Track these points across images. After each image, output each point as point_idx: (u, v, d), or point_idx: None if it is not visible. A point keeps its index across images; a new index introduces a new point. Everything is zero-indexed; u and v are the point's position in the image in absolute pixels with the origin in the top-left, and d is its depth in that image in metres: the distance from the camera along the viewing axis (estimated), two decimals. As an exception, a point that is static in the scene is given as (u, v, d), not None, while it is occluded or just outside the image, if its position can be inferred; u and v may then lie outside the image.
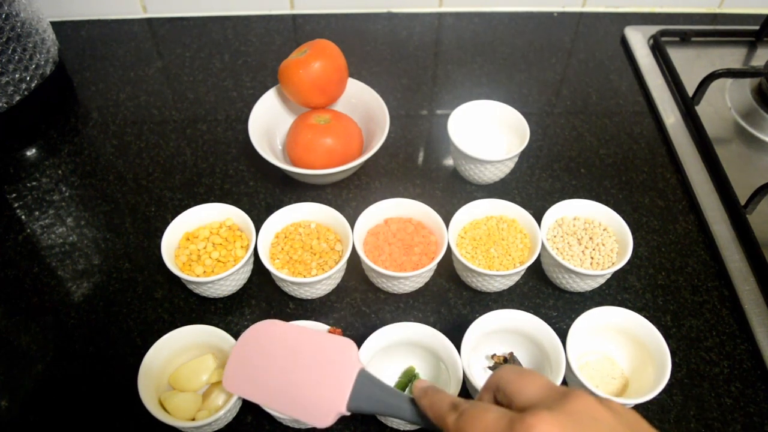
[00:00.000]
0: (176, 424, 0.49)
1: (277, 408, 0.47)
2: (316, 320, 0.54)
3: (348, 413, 0.44)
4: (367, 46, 0.90)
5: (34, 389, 0.55)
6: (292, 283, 0.58)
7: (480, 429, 0.33)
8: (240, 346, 0.50)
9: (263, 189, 0.71)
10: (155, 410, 0.49)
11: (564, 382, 0.53)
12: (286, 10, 0.94)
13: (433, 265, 0.58)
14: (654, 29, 0.90)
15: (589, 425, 0.32)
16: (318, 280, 0.57)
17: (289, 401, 0.46)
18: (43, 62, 0.74)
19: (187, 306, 0.61)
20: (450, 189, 0.72)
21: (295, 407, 0.46)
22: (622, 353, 0.57)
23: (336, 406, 0.44)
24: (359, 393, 0.44)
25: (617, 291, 0.63)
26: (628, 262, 0.59)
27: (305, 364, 0.47)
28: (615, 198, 0.71)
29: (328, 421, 0.44)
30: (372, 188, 0.71)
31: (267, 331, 0.50)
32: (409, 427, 0.51)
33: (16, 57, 0.70)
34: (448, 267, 0.63)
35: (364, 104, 0.73)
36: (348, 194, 0.71)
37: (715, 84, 0.79)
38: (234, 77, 0.84)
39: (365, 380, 0.44)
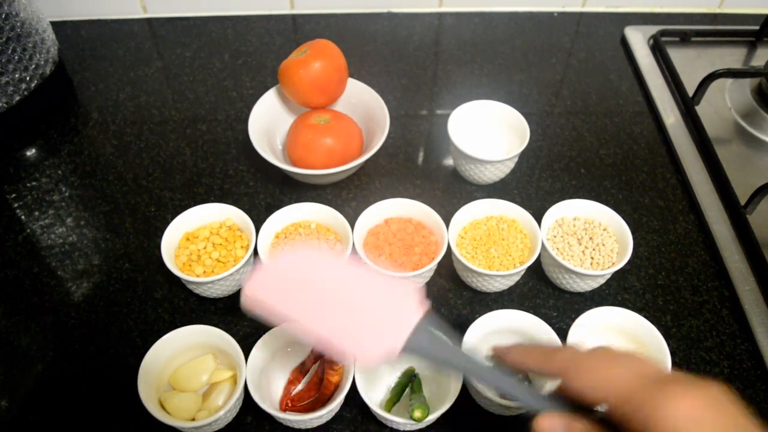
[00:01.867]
0: (176, 424, 0.49)
1: (312, 330, 0.41)
2: (316, 320, 0.54)
3: (395, 359, 0.40)
4: (367, 46, 0.90)
5: (34, 389, 0.55)
6: (292, 283, 0.58)
7: (606, 383, 0.33)
8: (280, 260, 0.44)
9: (263, 189, 0.71)
10: (155, 410, 0.49)
11: (564, 383, 0.53)
12: (286, 10, 0.94)
13: (433, 265, 0.58)
14: (654, 29, 0.90)
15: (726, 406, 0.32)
16: (318, 280, 0.57)
17: (332, 326, 0.41)
18: (42, 62, 0.74)
19: (187, 306, 0.61)
20: (450, 189, 0.72)
21: (338, 334, 0.41)
22: (622, 353, 0.57)
23: (389, 346, 0.40)
24: (417, 340, 0.40)
25: (617, 291, 0.63)
26: (628, 263, 0.59)
27: (360, 297, 0.42)
28: (615, 198, 0.71)
29: (375, 359, 0.40)
30: (372, 188, 0.71)
31: (321, 259, 0.45)
32: (409, 427, 0.51)
33: (16, 57, 0.70)
34: (448, 267, 0.63)
35: (364, 104, 0.73)
36: (348, 194, 0.71)
37: (715, 84, 0.79)
38: (234, 77, 0.84)
39: (425, 328, 0.41)
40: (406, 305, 0.41)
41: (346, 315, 0.42)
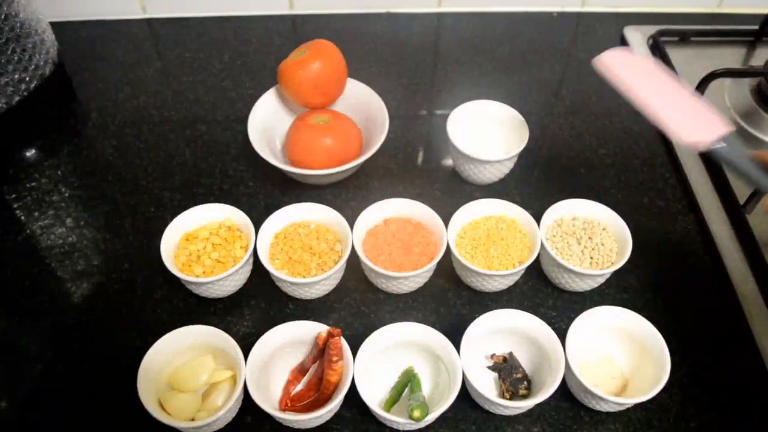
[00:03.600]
0: (176, 424, 0.49)
1: (648, 102, 0.52)
2: (315, 320, 0.54)
3: (708, 147, 0.50)
4: (367, 47, 0.90)
5: (34, 389, 0.55)
6: (292, 283, 0.58)
7: None
8: (632, 53, 0.57)
9: (262, 189, 0.71)
10: (155, 411, 0.49)
11: (563, 383, 0.53)
12: (285, 11, 0.94)
13: (433, 265, 0.58)
14: (653, 29, 0.90)
15: None
16: (317, 280, 0.57)
17: (662, 106, 0.51)
18: (42, 63, 0.74)
19: (187, 306, 0.61)
20: (449, 189, 0.72)
21: (667, 114, 0.51)
22: (622, 353, 0.57)
23: (705, 134, 0.50)
24: (726, 143, 0.50)
25: (616, 291, 0.63)
26: (628, 262, 0.59)
27: (688, 98, 0.53)
28: (614, 198, 0.71)
29: (694, 138, 0.50)
30: (371, 188, 0.71)
31: (653, 64, 0.56)
32: (409, 427, 0.51)
33: (16, 57, 0.70)
34: (447, 267, 0.63)
35: (363, 104, 0.73)
36: (347, 194, 0.71)
37: (715, 84, 0.78)
38: (233, 77, 0.84)
39: (733, 141, 0.50)
40: (717, 120, 0.51)
41: (676, 106, 0.52)
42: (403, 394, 0.55)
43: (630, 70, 0.54)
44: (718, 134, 0.50)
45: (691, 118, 0.52)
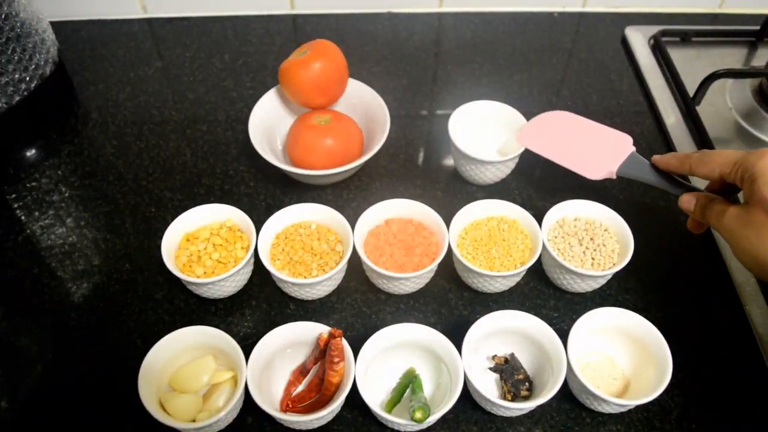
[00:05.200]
0: (177, 425, 0.49)
1: (559, 160, 0.63)
2: (316, 321, 0.54)
3: (614, 176, 0.60)
4: (368, 47, 0.89)
5: (34, 390, 0.55)
6: (293, 283, 0.58)
7: (719, 160, 0.50)
8: (537, 119, 0.68)
9: (263, 189, 0.71)
10: (156, 411, 0.49)
11: (564, 384, 0.53)
12: (286, 11, 0.94)
13: (434, 265, 0.58)
14: (654, 29, 0.90)
15: None
16: (318, 281, 0.57)
17: (570, 157, 0.63)
18: (42, 62, 0.74)
19: (188, 307, 0.61)
20: (451, 190, 0.72)
21: (575, 162, 0.62)
22: (623, 354, 0.57)
23: (608, 166, 0.60)
24: (628, 164, 0.60)
25: (618, 292, 0.63)
26: (629, 263, 0.59)
27: (589, 139, 0.64)
28: (616, 198, 0.71)
29: (600, 174, 0.60)
30: (372, 189, 0.71)
31: (560, 115, 0.68)
32: (410, 428, 0.51)
33: (16, 57, 0.70)
34: (448, 268, 0.63)
35: (364, 105, 0.73)
36: (348, 195, 0.71)
37: (716, 84, 0.78)
38: (234, 77, 0.84)
39: (635, 158, 0.60)
40: (621, 144, 0.62)
41: (579, 149, 0.64)
42: (405, 395, 0.55)
43: (542, 138, 0.66)
44: (623, 158, 0.60)
45: (600, 154, 0.62)
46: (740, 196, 0.51)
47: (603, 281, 0.61)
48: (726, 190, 0.53)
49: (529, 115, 0.70)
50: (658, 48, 0.88)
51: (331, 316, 0.61)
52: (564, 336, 0.53)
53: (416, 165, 0.75)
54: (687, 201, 0.54)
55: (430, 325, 0.54)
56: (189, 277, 0.57)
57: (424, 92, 0.84)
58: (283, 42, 0.90)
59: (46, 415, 0.54)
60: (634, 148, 0.61)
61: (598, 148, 0.63)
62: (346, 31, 0.92)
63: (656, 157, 0.57)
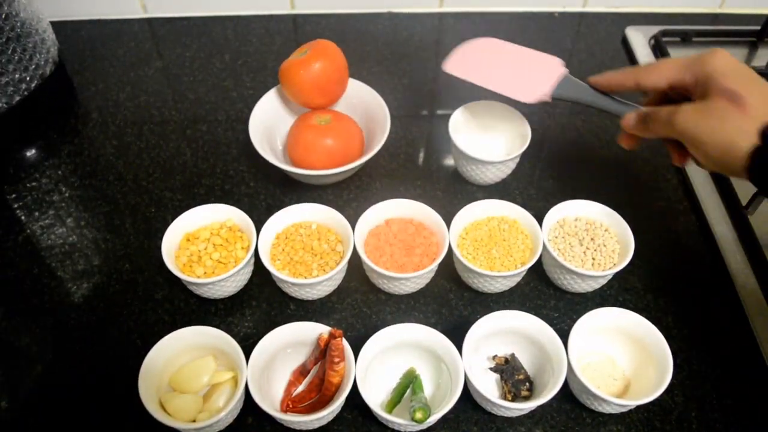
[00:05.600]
0: (177, 425, 0.49)
1: (491, 85, 0.62)
2: (316, 321, 0.54)
3: (550, 99, 0.59)
4: (368, 47, 0.89)
5: (34, 390, 0.55)
6: (293, 284, 0.58)
7: (668, 65, 0.51)
8: (464, 46, 0.65)
9: (264, 189, 0.71)
10: (156, 412, 0.49)
11: (565, 384, 0.53)
12: (286, 10, 0.94)
13: (434, 266, 0.58)
14: (655, 29, 0.90)
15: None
16: (319, 281, 0.57)
17: (502, 82, 0.61)
18: (42, 62, 0.74)
19: (188, 307, 0.61)
20: (451, 190, 0.72)
21: (508, 86, 0.61)
22: (624, 354, 0.57)
23: (542, 89, 0.59)
24: (562, 85, 0.59)
25: (618, 292, 0.63)
26: (630, 263, 0.59)
27: (520, 63, 0.62)
28: (616, 199, 0.70)
29: (534, 97, 0.59)
30: (373, 189, 0.71)
31: (486, 42, 0.65)
32: (410, 429, 0.51)
33: (16, 57, 0.70)
34: (449, 268, 0.63)
35: (364, 105, 0.73)
36: (349, 195, 0.71)
37: (717, 84, 0.78)
38: (234, 77, 0.84)
39: (568, 79, 0.59)
40: (553, 67, 0.61)
41: (510, 73, 0.62)
42: (405, 395, 0.55)
43: (470, 65, 0.64)
44: (555, 79, 0.59)
45: (531, 78, 0.61)
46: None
47: (603, 281, 0.61)
48: (663, 102, 0.53)
49: (530, 116, 0.70)
50: (658, 48, 0.88)
51: (331, 316, 0.61)
52: (564, 336, 0.53)
53: (416, 165, 0.75)
54: (629, 118, 0.54)
55: (430, 326, 0.54)
56: (189, 277, 0.57)
57: (424, 92, 0.84)
58: (284, 42, 0.90)
59: (46, 415, 0.54)
60: (566, 70, 0.60)
61: (530, 72, 0.61)
62: (346, 31, 0.92)
63: (594, 77, 0.57)
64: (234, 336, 0.53)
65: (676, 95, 0.52)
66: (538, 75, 0.61)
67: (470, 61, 0.64)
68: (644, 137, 0.54)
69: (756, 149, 0.44)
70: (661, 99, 0.54)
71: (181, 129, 0.77)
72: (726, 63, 0.47)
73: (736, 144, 0.44)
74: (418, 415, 0.49)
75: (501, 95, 0.62)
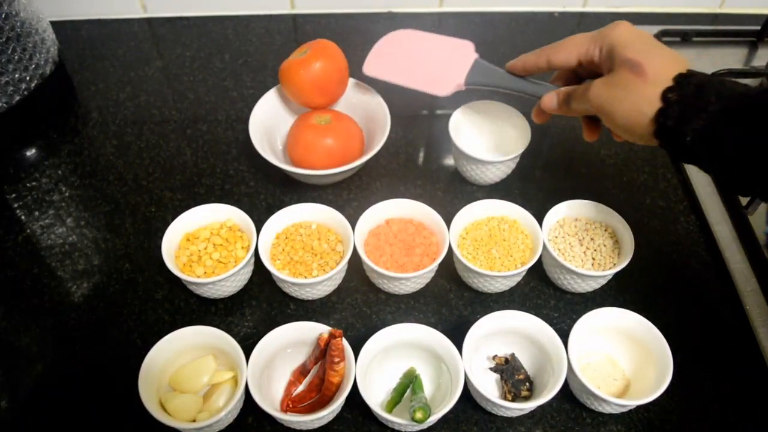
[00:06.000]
0: (177, 425, 0.49)
1: (408, 83, 0.62)
2: (316, 321, 0.54)
3: (464, 87, 0.60)
4: (368, 46, 0.89)
5: (34, 389, 0.55)
6: (293, 283, 0.58)
7: (575, 41, 0.52)
8: (379, 44, 0.65)
9: (264, 189, 0.71)
10: (156, 411, 0.49)
11: (565, 384, 0.53)
12: (286, 10, 0.94)
13: (435, 265, 0.58)
14: (655, 29, 0.89)
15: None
16: (319, 281, 0.57)
17: (417, 78, 0.62)
18: (42, 62, 0.74)
19: (188, 307, 0.61)
20: (451, 189, 0.72)
21: (423, 82, 0.61)
22: (624, 354, 0.57)
23: (456, 79, 0.60)
24: (475, 72, 0.60)
25: (618, 292, 0.63)
26: (630, 263, 0.59)
27: (432, 54, 0.62)
28: (616, 199, 0.71)
29: (449, 90, 0.60)
30: (373, 189, 0.71)
31: (399, 35, 0.65)
32: (410, 428, 0.51)
33: (16, 57, 0.70)
34: (449, 268, 0.63)
35: (364, 104, 0.73)
36: (349, 195, 0.71)
37: (717, 84, 0.78)
38: (234, 77, 0.84)
39: (480, 64, 0.60)
40: (464, 53, 0.61)
41: (423, 67, 0.62)
42: (405, 395, 0.54)
43: (385, 64, 0.64)
44: (468, 67, 0.60)
45: (445, 69, 0.61)
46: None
47: (603, 281, 0.61)
48: (578, 82, 0.55)
49: (530, 115, 0.70)
50: (658, 48, 0.88)
51: (331, 316, 0.61)
52: (564, 336, 0.53)
53: (416, 165, 0.74)
54: (549, 99, 0.55)
55: (430, 325, 0.54)
56: (189, 277, 0.57)
57: (424, 92, 0.84)
58: (284, 42, 0.90)
59: (46, 415, 0.54)
60: (476, 55, 0.61)
61: (443, 63, 0.61)
62: (346, 30, 0.92)
63: (510, 62, 0.58)
64: (234, 336, 0.53)
65: (586, 73, 0.54)
66: (451, 64, 0.61)
67: (385, 59, 0.64)
68: (564, 115, 0.55)
69: (659, 111, 0.45)
70: (571, 77, 0.56)
71: (181, 129, 0.77)
72: (626, 33, 0.49)
73: (642, 111, 0.46)
74: (418, 415, 0.49)
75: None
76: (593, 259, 0.60)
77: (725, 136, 0.43)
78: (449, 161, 0.75)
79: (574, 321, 0.54)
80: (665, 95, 0.45)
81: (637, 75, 0.46)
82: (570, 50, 0.53)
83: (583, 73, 0.55)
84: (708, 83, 0.44)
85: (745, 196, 0.65)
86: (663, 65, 0.46)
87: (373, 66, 0.65)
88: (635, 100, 0.46)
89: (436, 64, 0.62)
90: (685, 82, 0.45)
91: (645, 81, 0.46)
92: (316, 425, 0.53)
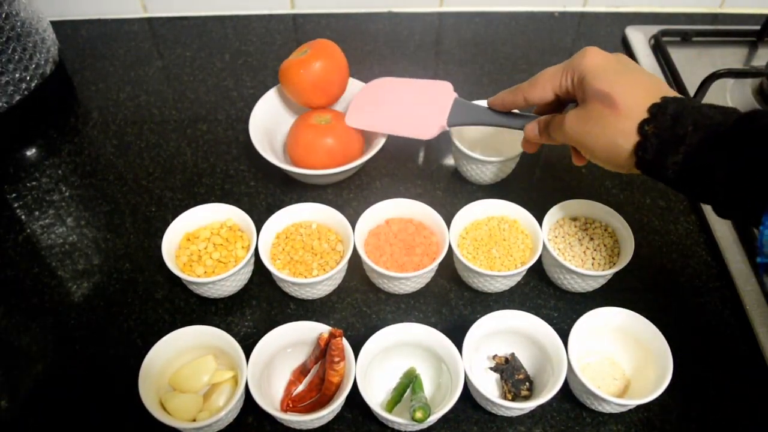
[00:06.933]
0: (177, 425, 0.49)
1: (392, 130, 0.64)
2: (317, 320, 0.54)
3: (448, 128, 0.61)
4: (368, 46, 0.89)
5: (34, 389, 0.55)
6: (293, 283, 0.58)
7: (546, 76, 0.52)
8: (359, 95, 0.67)
9: (264, 189, 0.71)
10: (156, 411, 0.49)
11: (565, 384, 0.53)
12: (286, 10, 0.94)
13: (435, 265, 0.58)
14: (655, 29, 0.90)
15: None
16: (319, 280, 0.57)
17: (401, 124, 0.63)
18: (43, 62, 0.74)
19: (188, 307, 0.61)
20: (451, 189, 0.72)
21: (407, 128, 0.63)
22: (624, 354, 0.57)
23: (439, 121, 0.61)
24: (456, 112, 0.61)
25: (618, 291, 0.63)
26: (630, 263, 0.59)
27: (412, 100, 0.63)
28: (616, 198, 0.71)
29: (434, 132, 0.62)
30: (373, 188, 0.71)
31: (377, 84, 0.67)
32: (410, 428, 0.51)
33: (16, 57, 0.70)
34: (449, 267, 0.63)
35: (364, 104, 0.72)
36: (349, 194, 0.71)
37: (717, 84, 0.78)
38: (234, 77, 0.84)
39: (460, 104, 0.61)
40: (444, 94, 0.62)
41: (405, 113, 0.63)
42: (405, 395, 0.55)
43: (367, 114, 0.65)
44: (449, 108, 0.61)
45: (426, 112, 0.62)
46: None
47: (603, 281, 0.61)
48: (560, 110, 0.55)
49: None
50: (658, 48, 0.88)
51: (331, 316, 0.61)
52: (564, 336, 0.53)
53: (416, 165, 0.75)
54: (531, 129, 0.55)
55: (430, 325, 0.54)
56: (189, 277, 0.57)
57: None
58: (284, 41, 0.90)
59: (46, 415, 0.54)
60: (455, 95, 0.62)
61: (424, 106, 0.62)
62: (346, 30, 0.92)
63: (491, 99, 0.59)
64: (234, 335, 0.53)
65: (567, 100, 0.53)
66: (432, 107, 0.62)
67: (367, 109, 0.65)
68: (549, 143, 0.55)
69: (637, 145, 0.44)
70: (555, 105, 0.55)
71: (181, 129, 0.77)
72: (596, 61, 0.48)
73: (619, 145, 0.45)
74: (418, 415, 0.49)
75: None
76: (593, 258, 0.60)
77: (705, 166, 0.42)
78: (449, 161, 0.75)
79: (574, 321, 0.54)
80: (641, 128, 0.44)
81: (608, 107, 0.45)
82: (543, 85, 0.52)
83: (564, 101, 0.54)
84: (684, 112, 0.43)
85: (733, 219, 0.63)
86: (633, 95, 0.45)
87: (354, 118, 0.66)
88: (611, 134, 0.45)
89: (418, 109, 0.62)
90: (660, 112, 0.44)
91: (618, 114, 0.45)
92: (316, 425, 0.53)
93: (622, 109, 0.45)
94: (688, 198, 0.46)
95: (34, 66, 0.72)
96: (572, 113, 0.49)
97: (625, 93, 0.45)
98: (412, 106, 0.63)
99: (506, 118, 0.58)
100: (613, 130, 0.45)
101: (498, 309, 0.55)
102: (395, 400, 0.53)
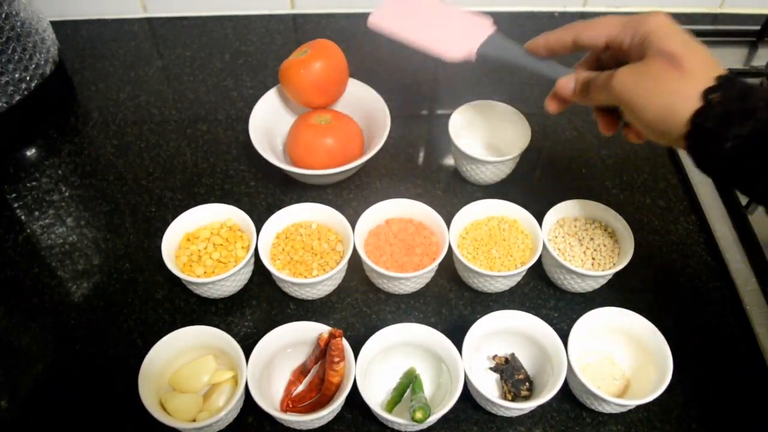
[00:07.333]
0: (177, 425, 0.49)
1: (415, 40, 0.59)
2: (316, 321, 0.54)
3: (475, 57, 0.57)
4: (368, 46, 0.89)
5: (34, 389, 0.55)
6: (293, 283, 0.58)
7: (606, 22, 0.48)
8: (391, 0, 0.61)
9: (264, 189, 0.71)
10: (156, 411, 0.49)
11: (565, 384, 0.53)
12: (286, 10, 0.94)
13: (434, 265, 0.58)
14: (655, 29, 0.89)
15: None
16: (319, 280, 0.57)
17: (427, 37, 0.59)
18: (43, 62, 0.74)
19: (188, 307, 0.61)
20: (451, 189, 0.72)
21: (432, 42, 0.58)
22: (624, 354, 0.57)
23: (468, 45, 0.57)
24: (489, 43, 0.56)
25: (618, 292, 0.63)
26: (630, 263, 0.59)
27: (448, 20, 0.59)
28: (616, 198, 0.71)
29: (458, 55, 0.57)
30: (373, 188, 0.71)
31: None
32: (410, 428, 0.51)
33: (16, 57, 0.70)
34: (449, 268, 0.63)
35: (364, 104, 0.73)
36: (349, 194, 0.71)
37: (717, 84, 0.78)
38: (234, 77, 0.84)
39: (496, 37, 0.57)
40: (481, 26, 0.58)
41: (437, 28, 0.59)
42: (405, 395, 0.55)
43: (395, 19, 0.60)
44: (483, 38, 0.57)
45: (458, 35, 0.58)
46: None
47: (603, 281, 0.61)
48: (599, 68, 0.50)
49: (530, 116, 0.70)
50: (658, 48, 0.87)
51: (331, 316, 0.61)
52: (564, 336, 0.53)
53: (416, 165, 0.75)
54: (566, 82, 0.51)
55: (430, 325, 0.54)
56: (189, 277, 0.57)
57: (424, 92, 0.84)
58: (284, 41, 0.90)
59: (46, 415, 0.54)
60: (494, 28, 0.58)
61: (457, 30, 0.58)
62: (346, 30, 0.92)
63: (531, 41, 0.54)
64: (234, 336, 0.53)
65: (610, 60, 0.50)
66: (465, 32, 0.58)
67: (396, 14, 0.60)
68: (580, 103, 0.52)
69: (697, 111, 0.41)
70: (595, 64, 0.52)
71: (181, 129, 0.77)
72: (664, 24, 0.46)
73: (675, 107, 0.42)
74: (418, 415, 0.49)
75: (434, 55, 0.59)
76: (593, 258, 0.61)
77: None
78: (449, 161, 0.75)
79: (574, 321, 0.54)
80: (707, 95, 0.41)
81: (673, 67, 0.42)
82: (600, 30, 0.48)
83: (606, 62, 0.51)
84: (754, 88, 0.41)
85: None
86: (703, 63, 0.43)
87: (381, 18, 0.60)
88: (667, 95, 0.42)
89: (450, 29, 0.58)
90: (729, 84, 0.41)
91: (682, 75, 0.42)
92: (316, 425, 0.53)
93: (688, 72, 0.42)
94: (729, 183, 0.43)
95: (34, 66, 0.72)
96: (625, 69, 0.45)
97: (693, 58, 0.43)
98: (445, 25, 0.59)
99: (541, 62, 0.53)
100: (673, 92, 0.42)
101: (498, 309, 0.55)
102: (395, 400, 0.53)
